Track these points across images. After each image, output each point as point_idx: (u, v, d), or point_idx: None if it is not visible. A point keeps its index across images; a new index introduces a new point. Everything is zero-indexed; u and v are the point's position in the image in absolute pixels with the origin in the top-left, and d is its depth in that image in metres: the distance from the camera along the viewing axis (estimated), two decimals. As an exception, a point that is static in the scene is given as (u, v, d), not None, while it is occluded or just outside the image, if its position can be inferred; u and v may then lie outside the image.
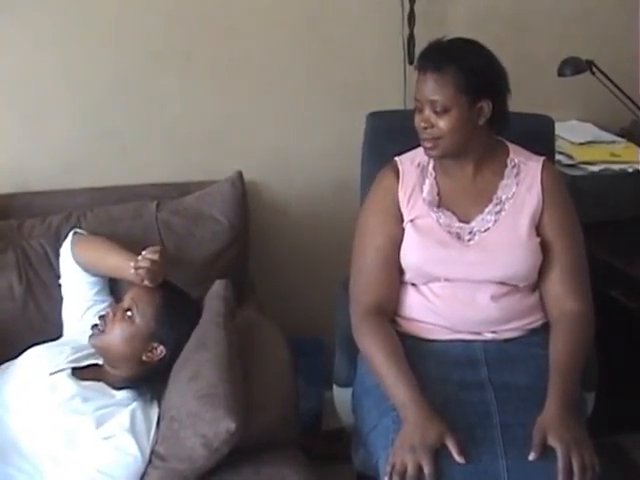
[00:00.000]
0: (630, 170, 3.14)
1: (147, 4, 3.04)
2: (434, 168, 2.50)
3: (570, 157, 3.15)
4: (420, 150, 2.49)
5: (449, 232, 2.42)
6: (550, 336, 2.37)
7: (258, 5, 3.14)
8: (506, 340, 2.41)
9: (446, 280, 2.41)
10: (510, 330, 2.42)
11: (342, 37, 3.23)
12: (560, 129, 3.30)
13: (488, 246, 2.40)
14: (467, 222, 2.43)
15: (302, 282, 3.35)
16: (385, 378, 2.28)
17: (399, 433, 2.15)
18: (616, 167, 3.14)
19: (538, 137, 2.73)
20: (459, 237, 2.42)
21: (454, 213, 2.44)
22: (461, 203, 2.46)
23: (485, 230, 2.42)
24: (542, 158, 2.50)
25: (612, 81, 3.22)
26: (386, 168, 2.54)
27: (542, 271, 2.43)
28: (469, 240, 2.41)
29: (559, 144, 3.22)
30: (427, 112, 2.37)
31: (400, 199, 2.47)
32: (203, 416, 2.18)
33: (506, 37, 3.33)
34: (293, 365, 2.56)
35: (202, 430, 2.17)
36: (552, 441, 2.07)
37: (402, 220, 2.46)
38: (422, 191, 2.47)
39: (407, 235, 2.44)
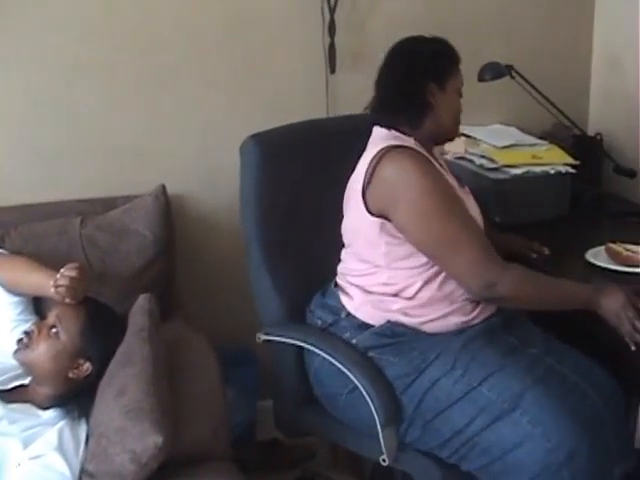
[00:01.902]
0: (552, 172, 3.18)
1: (68, 17, 3.03)
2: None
3: (493, 161, 3.18)
4: (399, 139, 2.50)
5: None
6: None
7: (181, 18, 3.14)
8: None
9: None
10: None
11: (265, 48, 3.25)
12: (483, 133, 3.36)
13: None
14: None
15: (231, 293, 3.33)
16: (560, 288, 2.47)
17: (605, 312, 2.36)
18: (538, 169, 3.16)
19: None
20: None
21: None
22: None
23: None
24: None
25: (532, 85, 3.27)
26: (408, 153, 2.44)
27: None
28: None
29: (483, 148, 3.26)
30: None
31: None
32: (130, 431, 2.16)
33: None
34: (222, 377, 2.56)
35: (130, 445, 2.15)
36: None
37: None
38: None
39: None
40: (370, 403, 2.39)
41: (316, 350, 2.54)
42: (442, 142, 2.70)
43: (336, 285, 2.64)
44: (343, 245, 2.64)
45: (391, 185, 2.40)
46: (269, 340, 2.69)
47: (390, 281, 2.48)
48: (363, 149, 2.53)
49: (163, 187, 3.04)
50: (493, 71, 3.18)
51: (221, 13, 3.18)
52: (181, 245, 3.15)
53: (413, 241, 2.43)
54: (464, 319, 2.49)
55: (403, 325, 2.47)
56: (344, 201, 2.58)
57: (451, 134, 2.66)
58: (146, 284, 2.81)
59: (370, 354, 2.49)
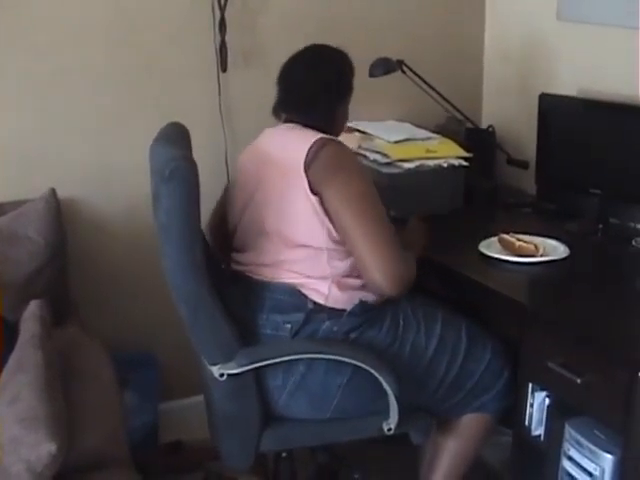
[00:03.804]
0: (445, 165, 3.21)
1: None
2: None
3: (386, 155, 3.19)
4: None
5: None
6: None
7: (71, 21, 3.09)
8: None
9: None
10: None
11: (156, 48, 3.22)
12: (377, 128, 3.38)
13: None
14: None
15: (127, 297, 3.31)
16: None
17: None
18: (431, 163, 3.20)
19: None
20: None
21: None
22: None
23: None
24: None
25: (423, 79, 3.31)
26: (343, 144, 2.55)
27: None
28: None
29: (376, 143, 3.28)
30: None
31: None
32: (24, 440, 2.12)
33: (320, 41, 3.36)
34: (117, 381, 2.54)
35: (25, 455, 2.11)
36: None
37: None
38: None
39: None
40: (381, 379, 2.42)
41: (311, 356, 2.45)
42: None
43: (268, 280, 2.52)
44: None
45: (332, 165, 2.44)
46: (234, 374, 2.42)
47: (332, 262, 2.49)
48: None
49: (53, 191, 2.98)
50: (383, 67, 3.20)
51: (111, 12, 3.14)
52: (75, 250, 3.10)
53: (338, 223, 2.44)
54: None
55: (368, 301, 2.51)
56: (273, 190, 2.51)
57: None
58: (39, 290, 2.75)
59: (352, 336, 2.50)
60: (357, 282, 2.50)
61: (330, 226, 2.44)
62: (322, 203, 2.42)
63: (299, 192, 2.42)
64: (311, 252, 2.47)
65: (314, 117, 2.59)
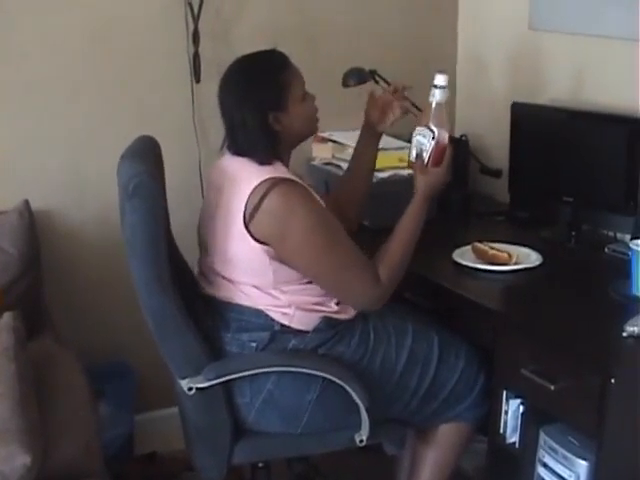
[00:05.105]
0: (419, 174, 3.22)
1: None
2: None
3: (360, 165, 3.19)
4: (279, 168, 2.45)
5: None
6: None
7: (45, 28, 3.09)
8: None
9: None
10: None
11: (129, 58, 3.22)
12: (351, 138, 3.37)
13: None
14: None
15: (102, 308, 3.31)
16: (408, 236, 2.57)
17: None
18: (405, 172, 3.19)
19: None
20: None
21: None
22: None
23: None
24: None
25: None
26: (293, 188, 2.39)
27: None
28: None
29: (350, 153, 3.27)
30: None
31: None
32: (-1, 453, 2.13)
33: (293, 51, 3.37)
34: (92, 393, 2.54)
35: (-1, 467, 2.12)
36: None
37: None
38: None
39: None
40: (351, 391, 2.43)
41: (279, 369, 2.44)
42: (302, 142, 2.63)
43: (231, 303, 2.50)
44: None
45: (279, 219, 2.35)
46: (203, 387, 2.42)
47: (289, 292, 2.47)
48: None
49: (26, 202, 2.98)
50: (357, 77, 3.19)
51: (85, 23, 3.13)
52: (49, 261, 3.10)
53: (300, 270, 2.44)
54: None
55: (333, 317, 2.52)
56: (214, 234, 2.48)
57: (310, 135, 2.68)
58: (13, 302, 2.74)
59: (320, 352, 2.51)
60: (321, 307, 2.51)
61: (277, 268, 2.41)
62: (269, 251, 2.38)
63: (240, 241, 2.38)
64: (262, 291, 2.46)
65: (255, 154, 2.44)
